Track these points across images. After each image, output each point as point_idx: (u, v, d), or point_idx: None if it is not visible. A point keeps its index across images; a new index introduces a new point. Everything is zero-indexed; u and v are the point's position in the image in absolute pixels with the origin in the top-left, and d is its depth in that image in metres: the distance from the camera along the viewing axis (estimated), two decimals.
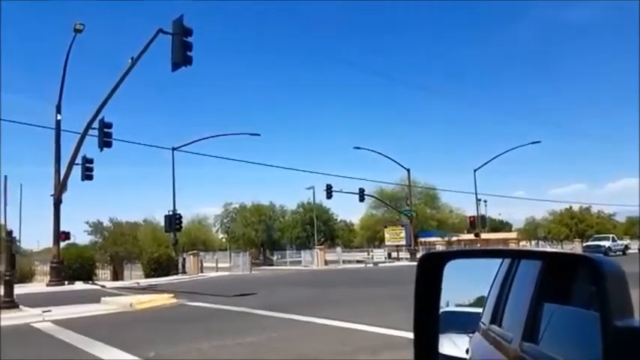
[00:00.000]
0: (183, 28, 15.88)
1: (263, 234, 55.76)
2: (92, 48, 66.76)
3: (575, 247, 50.30)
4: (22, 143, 75.53)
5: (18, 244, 35.20)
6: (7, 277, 12.82)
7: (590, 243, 43.93)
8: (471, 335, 1.58)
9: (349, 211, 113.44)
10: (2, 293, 12.62)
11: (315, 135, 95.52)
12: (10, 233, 14.49)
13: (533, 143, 44.86)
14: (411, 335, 1.49)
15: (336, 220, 62.89)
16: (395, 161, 43.62)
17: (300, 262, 43.16)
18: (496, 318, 1.53)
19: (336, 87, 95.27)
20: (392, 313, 9.73)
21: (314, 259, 40.19)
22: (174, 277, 28.27)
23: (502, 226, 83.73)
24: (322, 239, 54.87)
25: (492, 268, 1.55)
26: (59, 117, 23.15)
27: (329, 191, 41.04)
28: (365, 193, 43.49)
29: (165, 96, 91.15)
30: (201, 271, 33.28)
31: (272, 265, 47.65)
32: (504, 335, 1.43)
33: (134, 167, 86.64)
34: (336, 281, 22.49)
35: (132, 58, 17.92)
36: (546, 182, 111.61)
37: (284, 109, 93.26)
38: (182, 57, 15.82)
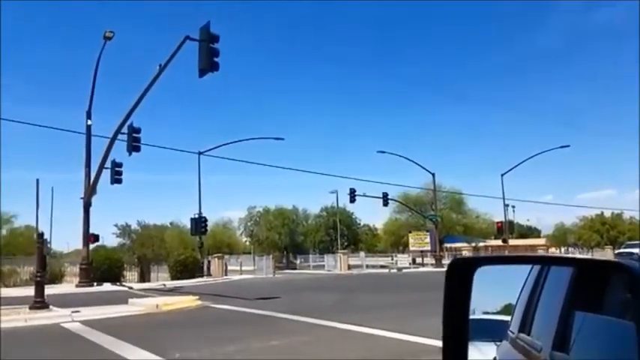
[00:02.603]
0: (210, 35, 16.09)
1: (286, 238, 55.93)
2: (122, 54, 68.35)
3: (607, 254, 48.91)
4: (54, 148, 77.79)
5: (49, 246, 35.99)
6: (38, 278, 13.17)
7: (621, 250, 42.60)
8: (498, 343, 1.55)
9: (373, 215, 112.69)
10: (33, 293, 12.98)
11: (339, 139, 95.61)
12: (41, 235, 14.88)
13: (562, 147, 43.77)
14: (437, 343, 1.47)
15: (360, 224, 62.64)
16: (420, 165, 43.24)
17: (323, 266, 43.08)
18: (525, 326, 1.50)
19: (360, 91, 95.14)
20: (416, 320, 9.64)
21: (337, 264, 40.06)
22: (200, 279, 28.58)
23: (530, 231, 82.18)
24: (345, 244, 54.67)
25: (520, 274, 1.52)
26: (89, 122, 23.73)
27: (352, 195, 40.86)
28: (389, 197, 43.15)
29: (191, 101, 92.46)
30: (226, 274, 33.54)
31: (295, 269, 47.71)
32: (534, 344, 1.40)
33: (162, 171, 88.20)
34: (359, 286, 22.38)
35: (160, 65, 18.24)
36: (576, 187, 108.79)
37: (308, 113, 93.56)
38: (209, 63, 16.02)
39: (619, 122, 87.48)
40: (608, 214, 62.73)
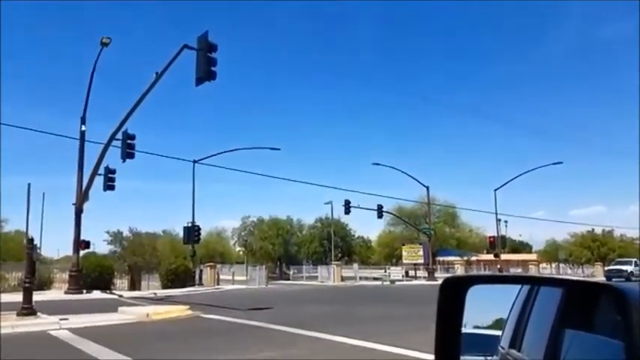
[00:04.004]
0: (208, 44, 16.13)
1: (280, 248, 55.74)
2: (118, 61, 68.39)
3: (597, 271, 49.09)
4: (46, 153, 77.44)
5: (38, 251, 35.75)
6: (26, 284, 13.01)
7: (612, 267, 42.75)
8: (489, 358, 1.56)
9: (367, 227, 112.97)
10: (21, 299, 12.82)
11: (335, 150, 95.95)
12: (31, 241, 14.74)
13: (555, 164, 44.07)
14: (430, 357, 1.48)
15: (354, 236, 62.56)
16: (414, 178, 43.35)
17: (316, 277, 42.95)
18: (515, 342, 1.51)
19: (355, 103, 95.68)
20: (409, 333, 9.61)
21: (330, 275, 39.95)
22: (191, 288, 28.37)
23: (522, 247, 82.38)
24: (339, 255, 54.53)
25: (511, 290, 1.53)
26: (83, 128, 23.65)
27: (347, 207, 40.87)
28: (383, 209, 43.20)
29: (187, 109, 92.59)
30: (218, 284, 33.33)
31: (288, 279, 47.51)
32: None
33: (155, 179, 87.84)
34: (352, 298, 22.31)
35: (156, 73, 18.23)
36: (567, 203, 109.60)
37: (304, 124, 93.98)
38: (206, 72, 16.04)
39: (611, 139, 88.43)
40: (598, 230, 63.10)
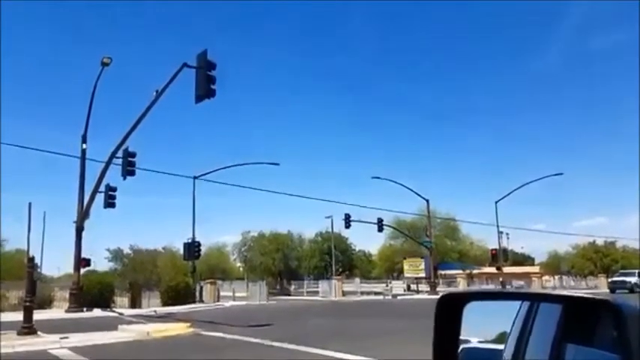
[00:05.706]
0: (207, 62, 16.27)
1: (280, 263, 55.50)
2: (119, 79, 68.76)
3: (600, 283, 48.84)
4: (47, 172, 77.46)
5: (39, 270, 35.52)
6: (26, 303, 12.95)
7: (615, 279, 42.56)
8: None
9: (368, 241, 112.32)
10: (22, 319, 12.74)
11: (334, 164, 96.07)
12: (31, 260, 14.70)
13: (555, 175, 44.18)
14: None
15: (355, 250, 62.34)
16: (414, 191, 43.37)
17: (317, 292, 42.67)
18: (518, 357, 1.52)
19: (356, 116, 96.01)
20: (410, 348, 9.53)
21: (331, 290, 39.71)
22: (192, 305, 28.21)
23: (524, 259, 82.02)
24: (340, 269, 54.27)
25: (514, 305, 1.54)
26: (84, 146, 23.74)
27: (347, 221, 40.82)
28: (384, 223, 43.11)
29: (187, 125, 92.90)
30: (218, 300, 33.12)
31: (289, 294, 47.21)
32: None
33: (156, 195, 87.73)
34: (353, 313, 22.15)
35: (156, 91, 18.36)
36: (569, 215, 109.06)
37: (303, 138, 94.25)
38: (206, 90, 16.15)
39: (612, 150, 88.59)
40: (600, 241, 62.88)
